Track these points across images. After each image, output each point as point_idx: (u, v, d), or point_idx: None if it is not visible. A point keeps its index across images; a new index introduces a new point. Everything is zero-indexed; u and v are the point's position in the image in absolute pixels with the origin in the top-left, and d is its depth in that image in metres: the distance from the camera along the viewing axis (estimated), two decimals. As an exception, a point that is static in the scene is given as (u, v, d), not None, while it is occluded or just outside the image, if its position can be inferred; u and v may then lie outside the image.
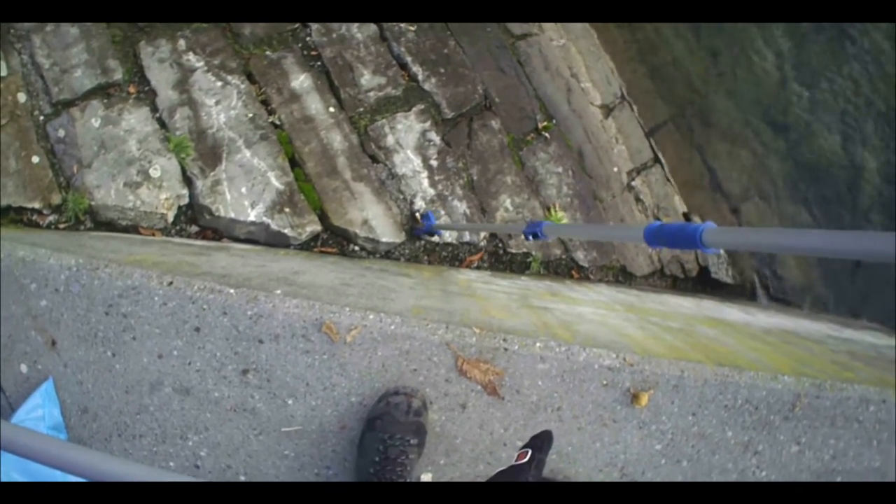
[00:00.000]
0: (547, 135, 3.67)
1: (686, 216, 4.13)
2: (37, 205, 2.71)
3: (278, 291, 1.98)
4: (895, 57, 4.53)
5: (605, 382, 2.03)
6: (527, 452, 1.37)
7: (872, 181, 4.43)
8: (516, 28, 3.90)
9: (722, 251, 4.11)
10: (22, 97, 2.85)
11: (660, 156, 4.18)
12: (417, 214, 3.18)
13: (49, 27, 2.98)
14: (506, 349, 1.98)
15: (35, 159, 2.77)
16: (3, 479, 1.79)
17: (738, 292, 4.19)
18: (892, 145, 4.46)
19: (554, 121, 3.75)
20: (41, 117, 2.87)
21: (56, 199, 2.75)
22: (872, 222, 4.39)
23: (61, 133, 2.84)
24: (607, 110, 4.12)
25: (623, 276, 3.78)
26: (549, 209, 3.54)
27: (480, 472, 2.02)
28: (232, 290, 1.95)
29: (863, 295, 4.37)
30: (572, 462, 2.05)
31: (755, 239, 1.12)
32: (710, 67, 4.48)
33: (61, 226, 2.76)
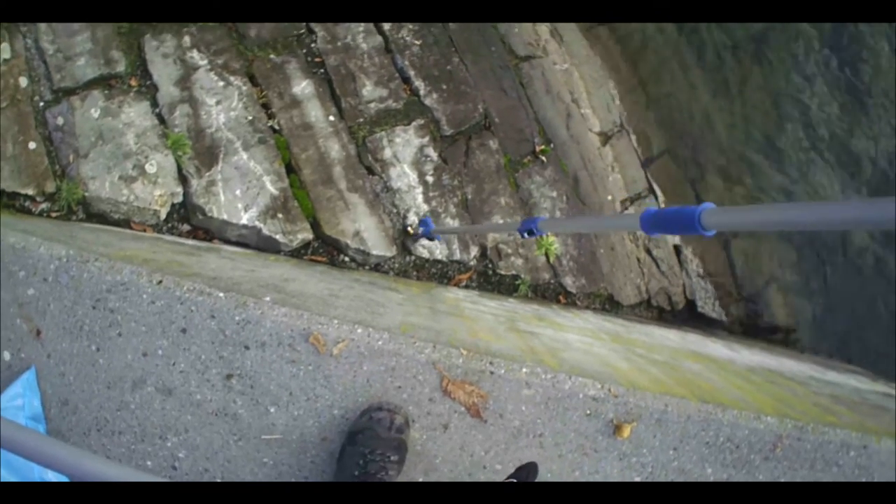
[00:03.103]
0: (544, 158, 3.68)
1: (677, 248, 4.14)
2: (30, 191, 2.69)
3: (267, 298, 1.97)
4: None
5: (588, 412, 2.02)
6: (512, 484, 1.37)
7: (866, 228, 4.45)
8: (521, 49, 3.91)
9: (710, 286, 4.13)
10: (23, 81, 2.84)
11: (654, 186, 4.20)
12: (409, 229, 3.17)
13: (55, 14, 2.98)
14: (492, 372, 1.98)
15: (32, 145, 2.76)
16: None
17: (723, 327, 4.20)
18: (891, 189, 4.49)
19: (552, 145, 3.75)
20: (41, 103, 2.86)
21: (50, 186, 2.73)
22: (865, 265, 4.42)
23: (60, 121, 2.83)
24: (605, 138, 4.13)
25: (610, 305, 3.78)
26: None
27: (458, 493, 2.01)
28: (221, 294, 1.94)
29: (846, 337, 4.39)
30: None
31: (756, 217, 1.09)
32: (711, 102, 4.50)
33: (53, 214, 2.74)
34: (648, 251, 4.01)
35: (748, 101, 4.53)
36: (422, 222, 3.17)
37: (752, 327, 4.30)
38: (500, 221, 3.40)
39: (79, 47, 2.96)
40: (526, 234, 1.99)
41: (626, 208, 4.00)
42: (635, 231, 1.39)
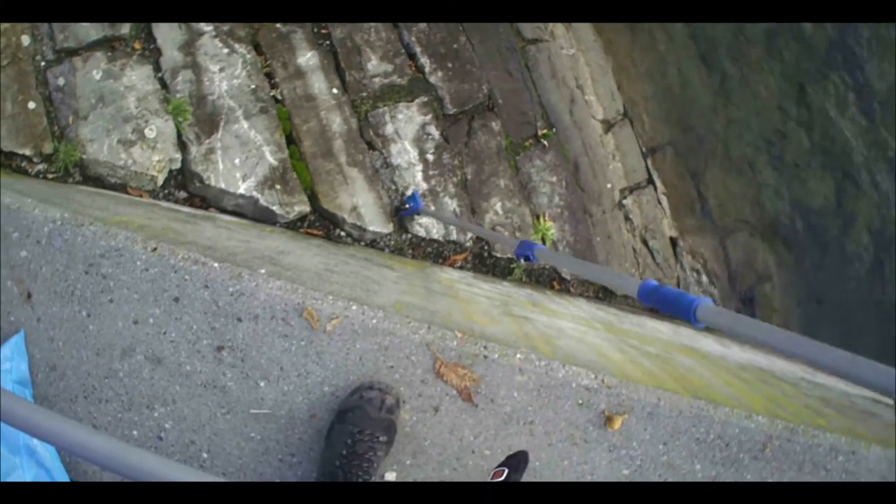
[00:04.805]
0: (545, 143, 3.66)
1: (673, 241, 4.13)
2: (28, 151, 2.67)
3: (262, 271, 1.95)
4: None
5: (580, 402, 2.01)
6: (502, 471, 1.36)
7: (863, 229, 4.43)
8: (528, 32, 3.88)
9: (704, 280, 4.12)
10: (26, 40, 2.81)
11: (654, 177, 4.18)
12: (407, 206, 3.15)
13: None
14: (485, 357, 1.96)
15: (31, 105, 2.73)
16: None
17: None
18: (888, 197, 4.46)
19: (554, 129, 3.73)
20: (42, 63, 2.82)
21: (48, 148, 2.70)
22: (861, 269, 4.41)
23: (61, 81, 2.80)
24: (608, 125, 4.11)
25: (603, 293, 3.77)
26: (538, 217, 3.52)
27: (445, 476, 2.00)
28: (216, 264, 1.92)
29: (837, 340, 4.38)
30: (538, 477, 2.04)
31: (747, 329, 1.10)
32: (716, 96, 4.47)
33: (50, 176, 2.72)
34: (645, 242, 4.00)
35: (752, 99, 4.50)
36: (409, 198, 3.14)
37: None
38: (504, 233, 3.37)
39: (82, 7, 2.93)
40: (522, 260, 1.97)
41: (625, 197, 3.99)
42: (631, 294, 1.39)
